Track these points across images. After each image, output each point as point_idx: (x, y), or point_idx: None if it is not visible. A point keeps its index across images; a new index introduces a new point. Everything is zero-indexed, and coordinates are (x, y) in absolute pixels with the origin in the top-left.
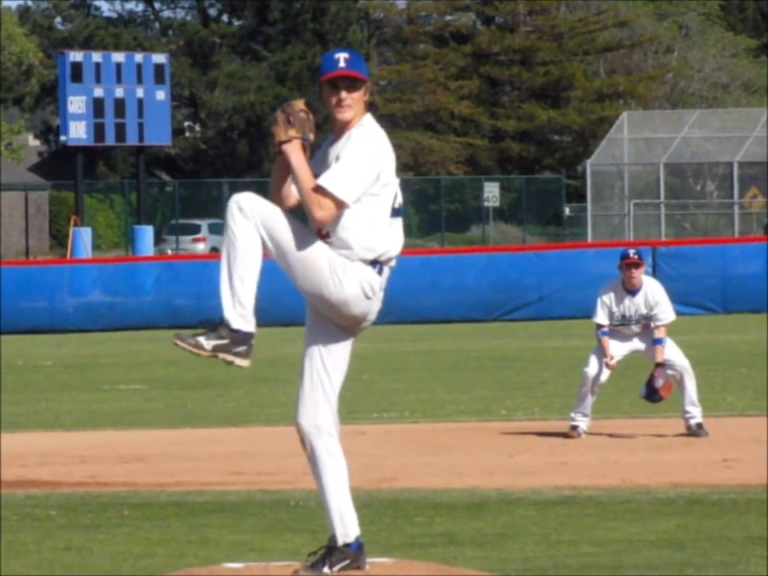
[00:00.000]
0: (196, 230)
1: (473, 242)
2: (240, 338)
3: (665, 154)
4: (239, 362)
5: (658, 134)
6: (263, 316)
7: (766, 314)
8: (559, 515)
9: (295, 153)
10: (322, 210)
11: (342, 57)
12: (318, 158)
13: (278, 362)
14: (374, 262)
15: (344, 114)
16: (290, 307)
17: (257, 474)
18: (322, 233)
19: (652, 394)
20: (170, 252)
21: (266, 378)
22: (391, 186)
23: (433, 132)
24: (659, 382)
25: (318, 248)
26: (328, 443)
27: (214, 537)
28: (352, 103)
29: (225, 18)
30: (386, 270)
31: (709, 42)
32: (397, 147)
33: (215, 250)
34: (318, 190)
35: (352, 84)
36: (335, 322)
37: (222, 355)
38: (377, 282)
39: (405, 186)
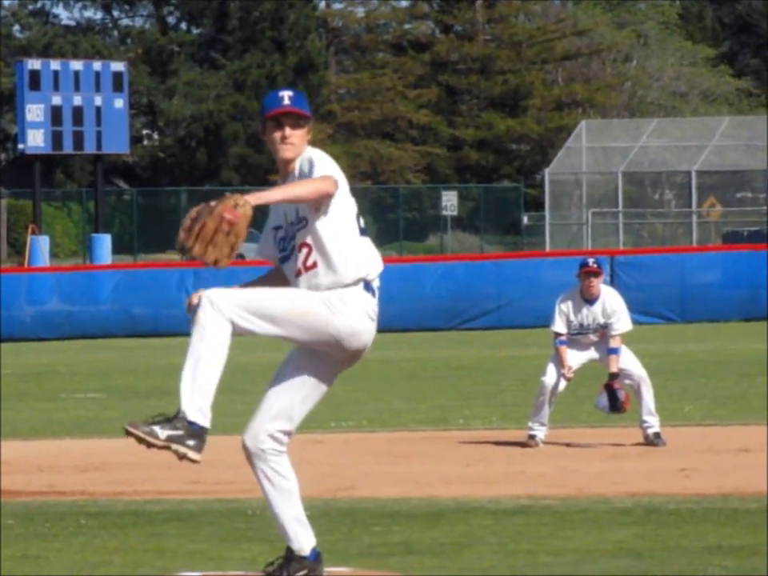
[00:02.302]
0: None
1: (431, 251)
2: (195, 432)
3: (623, 163)
4: (191, 454)
5: (616, 143)
6: None
7: (724, 323)
8: (516, 525)
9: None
10: (330, 188)
11: (286, 95)
12: (270, 220)
13: (235, 372)
14: (365, 284)
15: (287, 153)
16: None
17: (214, 483)
18: (308, 264)
19: (616, 406)
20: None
21: (222, 388)
22: (352, 202)
23: (391, 141)
24: (622, 394)
25: (309, 297)
26: (274, 463)
27: (171, 546)
28: (296, 141)
29: (183, 26)
30: (376, 291)
31: (667, 50)
32: (355, 156)
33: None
34: (312, 182)
35: (296, 121)
36: (342, 356)
37: (174, 446)
38: (374, 303)
39: (363, 194)
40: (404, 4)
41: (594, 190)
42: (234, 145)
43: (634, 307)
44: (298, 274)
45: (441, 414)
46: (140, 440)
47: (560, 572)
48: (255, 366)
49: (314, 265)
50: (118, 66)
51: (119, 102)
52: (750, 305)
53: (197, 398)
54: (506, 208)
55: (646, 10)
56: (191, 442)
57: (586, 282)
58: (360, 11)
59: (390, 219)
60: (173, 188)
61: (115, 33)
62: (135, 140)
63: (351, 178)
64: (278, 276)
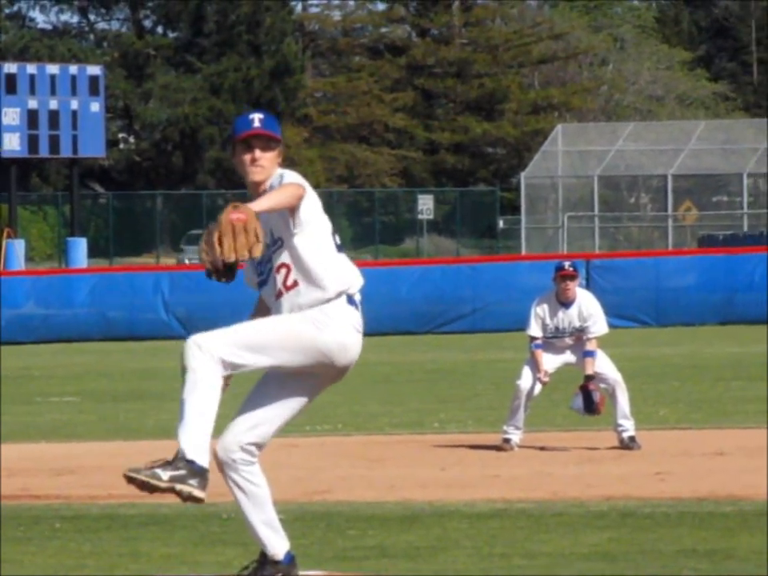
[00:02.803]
0: None
1: (407, 255)
2: (196, 471)
3: (599, 167)
4: (196, 492)
5: (592, 147)
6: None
7: (700, 327)
8: (491, 528)
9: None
10: (299, 190)
11: (256, 117)
12: None
13: None
14: (348, 298)
15: (256, 175)
16: (223, 319)
17: None
18: (288, 284)
19: (591, 408)
20: (187, 262)
21: None
22: (326, 220)
23: (367, 144)
24: (597, 396)
25: (293, 318)
26: (245, 473)
27: (146, 550)
28: (265, 164)
29: (160, 29)
30: (359, 305)
31: (644, 54)
32: (331, 159)
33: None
34: (286, 187)
35: (266, 144)
36: (331, 373)
37: (179, 486)
38: (358, 316)
39: (339, 198)
40: (380, 7)
41: (569, 194)
42: (209, 148)
43: (610, 311)
44: (279, 295)
45: (416, 417)
46: (143, 484)
47: (535, 575)
48: None
49: (295, 283)
50: (94, 69)
51: (95, 106)
52: (725, 308)
53: (195, 439)
54: (482, 212)
55: (623, 13)
56: (194, 481)
57: (561, 285)
58: (336, 15)
59: (366, 223)
60: (149, 192)
61: (91, 36)
62: (111, 144)
63: (327, 181)
64: (264, 307)
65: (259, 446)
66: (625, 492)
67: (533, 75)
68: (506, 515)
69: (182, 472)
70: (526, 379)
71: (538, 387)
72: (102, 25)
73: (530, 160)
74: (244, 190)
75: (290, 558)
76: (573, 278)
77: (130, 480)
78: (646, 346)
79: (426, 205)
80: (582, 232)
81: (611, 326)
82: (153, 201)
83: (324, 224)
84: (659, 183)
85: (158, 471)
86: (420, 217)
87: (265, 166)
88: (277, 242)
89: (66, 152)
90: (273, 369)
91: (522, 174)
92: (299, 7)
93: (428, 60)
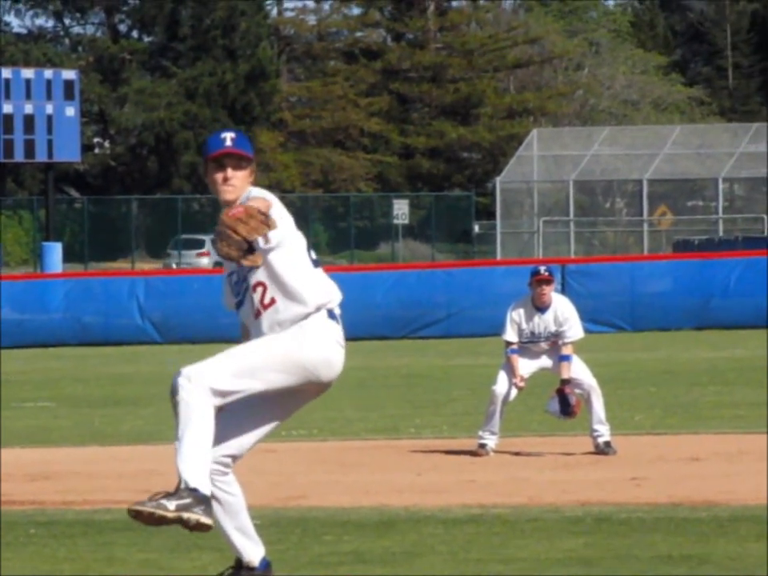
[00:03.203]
0: (200, 244)
1: (382, 260)
2: (200, 498)
3: (574, 171)
4: (204, 519)
5: (567, 151)
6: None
7: (675, 332)
8: (467, 533)
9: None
10: (266, 202)
11: (228, 136)
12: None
13: None
14: (329, 313)
15: (227, 195)
16: (198, 324)
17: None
18: (265, 302)
19: (567, 411)
20: (174, 266)
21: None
22: (300, 236)
23: (342, 149)
24: (573, 399)
25: (276, 338)
26: (219, 483)
27: (121, 555)
28: (237, 183)
29: (135, 34)
30: (339, 319)
31: (619, 59)
32: (306, 164)
33: (219, 265)
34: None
35: (238, 163)
36: (315, 390)
37: (186, 515)
38: (340, 330)
39: (314, 203)
40: (356, 12)
41: (545, 199)
42: (185, 153)
43: (585, 316)
44: (258, 314)
45: (391, 422)
46: (150, 516)
47: None
48: None
49: (273, 301)
50: (69, 74)
51: (70, 111)
52: (701, 313)
53: (195, 468)
54: (457, 216)
55: (598, 18)
56: (199, 509)
57: (537, 290)
58: (311, 19)
59: (341, 228)
60: (124, 196)
61: (66, 41)
62: (86, 148)
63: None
64: (248, 330)
65: (235, 457)
66: (600, 497)
67: (508, 80)
68: (482, 520)
69: (188, 500)
70: (501, 384)
71: (514, 392)
72: (77, 29)
73: (506, 165)
74: None
75: (266, 564)
76: (548, 282)
77: (137, 514)
78: (622, 351)
79: (401, 210)
80: (557, 237)
81: (587, 330)
82: (128, 205)
83: (298, 240)
84: (634, 188)
85: (164, 502)
86: (395, 222)
87: (236, 185)
88: None
89: (41, 156)
90: (262, 393)
91: (498, 179)
92: (274, 12)
93: (403, 64)
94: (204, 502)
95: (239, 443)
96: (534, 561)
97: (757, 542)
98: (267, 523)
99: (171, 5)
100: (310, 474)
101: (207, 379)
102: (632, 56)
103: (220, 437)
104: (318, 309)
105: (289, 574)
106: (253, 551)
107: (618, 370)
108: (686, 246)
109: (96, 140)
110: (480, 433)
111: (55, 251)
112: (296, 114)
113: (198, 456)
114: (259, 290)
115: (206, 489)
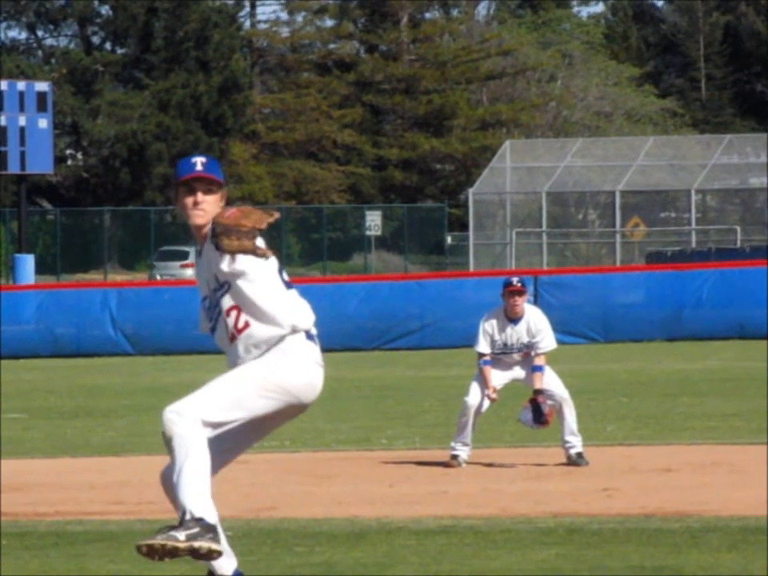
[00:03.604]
0: (184, 256)
1: (354, 271)
2: (207, 526)
3: (547, 183)
4: (214, 546)
5: (540, 163)
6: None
7: (647, 343)
8: (439, 545)
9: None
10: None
11: (198, 161)
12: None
13: (159, 392)
14: (306, 335)
15: (197, 219)
16: (171, 336)
17: (137, 503)
18: (239, 326)
19: (540, 419)
20: (158, 278)
21: (146, 408)
22: (273, 258)
23: (315, 160)
24: (546, 408)
25: (257, 364)
26: None
27: (93, 567)
28: (207, 207)
29: (108, 46)
30: (316, 339)
31: (592, 70)
32: (279, 176)
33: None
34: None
35: (208, 187)
36: (295, 412)
37: (197, 543)
38: (318, 350)
39: (287, 214)
40: (329, 24)
41: (517, 210)
42: (157, 165)
43: (558, 327)
44: (233, 338)
45: (363, 434)
46: (162, 549)
47: None
48: (177, 386)
49: (247, 324)
50: (42, 85)
51: (43, 122)
52: (673, 325)
53: (198, 498)
54: (430, 228)
55: (571, 30)
56: (209, 536)
57: (510, 301)
58: (285, 31)
59: (314, 239)
60: (96, 208)
61: (39, 53)
62: (59, 160)
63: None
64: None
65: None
66: (572, 508)
67: (481, 91)
68: (454, 532)
69: (196, 530)
70: (474, 396)
71: (486, 404)
72: (50, 41)
73: (478, 176)
74: None
75: (238, 574)
76: (521, 293)
77: (149, 549)
78: (594, 362)
79: (374, 221)
80: (530, 248)
81: (559, 342)
82: (101, 217)
83: (270, 264)
84: (607, 199)
85: (173, 533)
86: (368, 233)
87: (206, 209)
88: (223, 285)
89: (13, 168)
90: (250, 420)
91: (470, 191)
92: (247, 23)
93: (376, 76)
94: (211, 529)
95: (214, 463)
96: (506, 572)
97: (729, 553)
98: (239, 534)
99: (144, 17)
100: (282, 485)
101: (198, 412)
102: (605, 68)
103: None
104: (293, 330)
105: None
106: (226, 564)
107: (591, 380)
108: (659, 258)
109: (69, 152)
110: (452, 444)
111: (28, 263)
112: (269, 125)
113: (199, 486)
114: (233, 314)
115: (211, 517)
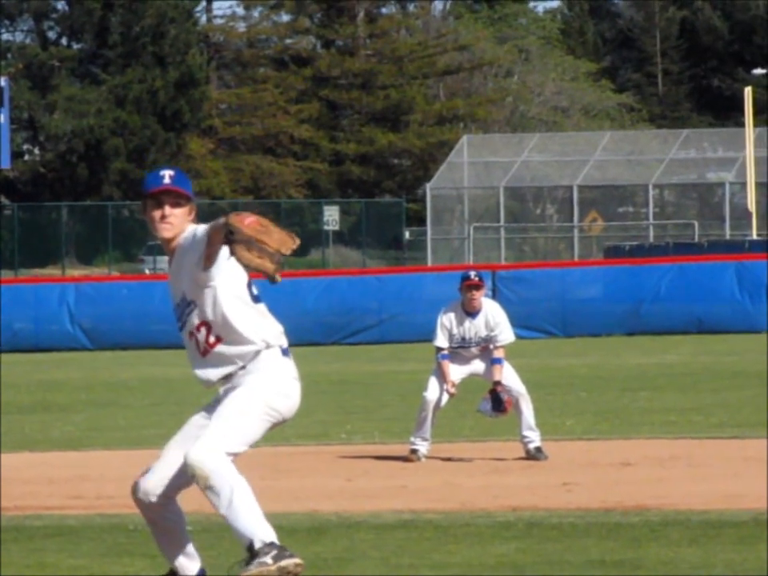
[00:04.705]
0: None
1: (312, 266)
2: (279, 546)
3: (505, 178)
4: (297, 560)
5: (497, 158)
6: (102, 341)
7: (606, 338)
8: (399, 539)
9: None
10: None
11: (167, 174)
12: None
13: (118, 387)
14: (282, 350)
15: (165, 232)
16: (128, 330)
17: (96, 497)
18: (210, 342)
19: (499, 407)
20: (147, 272)
21: (104, 403)
22: (241, 272)
23: (273, 156)
24: (505, 396)
25: (246, 389)
26: (164, 511)
27: (53, 561)
28: (174, 221)
29: (64, 41)
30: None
31: (549, 65)
32: (236, 171)
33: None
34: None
35: (176, 201)
36: (282, 423)
37: (284, 562)
38: (293, 364)
39: (244, 209)
40: (285, 19)
41: (475, 205)
42: (114, 160)
43: (516, 322)
44: (205, 352)
45: (322, 428)
46: None
47: None
48: (135, 381)
49: (218, 339)
50: None
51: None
52: (632, 319)
53: (258, 524)
54: (388, 223)
55: (528, 25)
56: (288, 553)
57: (467, 294)
58: (241, 26)
59: None
60: (54, 203)
61: None
62: (16, 155)
63: (233, 192)
64: None
65: (182, 487)
66: (532, 502)
67: (438, 86)
68: (414, 526)
69: (275, 551)
70: (432, 391)
71: (445, 398)
72: (6, 36)
73: (436, 171)
74: None
75: (201, 573)
76: (478, 287)
77: None
78: (553, 356)
79: (331, 216)
80: (488, 243)
81: (517, 336)
82: (58, 212)
83: (237, 278)
84: (565, 194)
85: (260, 560)
86: (326, 228)
87: (173, 222)
88: (190, 304)
89: None
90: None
91: (428, 185)
92: (204, 19)
93: (333, 71)
94: (284, 548)
95: (188, 478)
96: (466, 566)
97: (689, 547)
98: (199, 529)
99: (100, 12)
100: None
101: (220, 446)
102: (562, 63)
103: (167, 471)
104: (266, 345)
105: None
106: (191, 565)
107: (550, 375)
108: (617, 252)
109: (26, 147)
110: (411, 439)
111: None
112: (226, 120)
113: (255, 513)
114: (203, 330)
115: (275, 537)
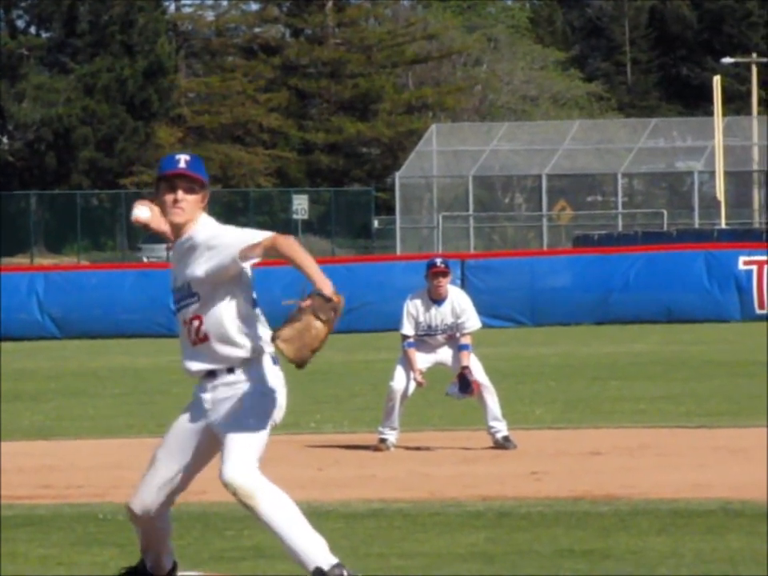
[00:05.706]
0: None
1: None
2: (341, 566)
3: (473, 167)
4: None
5: (466, 147)
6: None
7: (575, 327)
8: (368, 528)
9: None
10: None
11: (182, 158)
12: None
13: (87, 376)
14: (272, 359)
15: (176, 217)
16: (98, 319)
17: (65, 487)
18: (200, 336)
19: (466, 389)
20: (145, 260)
21: (74, 392)
22: (250, 274)
23: (241, 144)
24: (472, 377)
25: (256, 407)
26: (157, 521)
27: (22, 550)
28: (187, 206)
29: (33, 29)
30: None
31: (517, 54)
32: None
33: None
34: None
35: (190, 186)
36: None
37: None
38: (280, 373)
39: (214, 198)
40: (254, 8)
41: (444, 194)
42: (83, 149)
43: (485, 311)
44: (194, 343)
45: (292, 418)
46: None
47: (412, 575)
48: (105, 370)
49: (205, 337)
50: None
51: None
52: (601, 308)
53: (321, 548)
54: (357, 212)
55: (496, 13)
56: (351, 572)
57: (434, 282)
58: (210, 15)
59: (241, 223)
60: (22, 192)
61: None
62: None
63: None
64: None
65: (178, 496)
66: (501, 492)
67: (407, 75)
68: (383, 515)
69: (345, 572)
70: (399, 380)
71: (412, 387)
72: None
73: (405, 160)
74: (118, 190)
75: (173, 565)
76: (444, 274)
77: None
78: (522, 345)
79: (300, 205)
80: (456, 232)
81: (486, 325)
82: (27, 201)
83: (246, 281)
84: (534, 183)
85: None
86: (295, 217)
87: (185, 208)
88: (194, 295)
89: None
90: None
91: (397, 174)
92: (172, 7)
93: (302, 60)
94: (344, 566)
95: (183, 485)
96: (435, 555)
97: (658, 536)
98: None
99: (69, 1)
100: (211, 470)
101: (252, 463)
102: (530, 52)
103: (162, 484)
104: (257, 353)
105: (190, 569)
106: (167, 562)
107: (519, 364)
108: (586, 241)
109: None
110: (380, 428)
111: None
112: (195, 109)
113: (308, 533)
114: (196, 322)
115: (334, 557)
